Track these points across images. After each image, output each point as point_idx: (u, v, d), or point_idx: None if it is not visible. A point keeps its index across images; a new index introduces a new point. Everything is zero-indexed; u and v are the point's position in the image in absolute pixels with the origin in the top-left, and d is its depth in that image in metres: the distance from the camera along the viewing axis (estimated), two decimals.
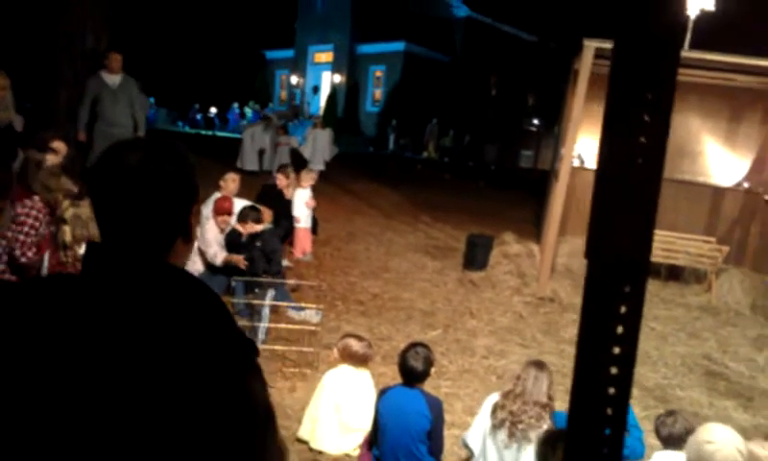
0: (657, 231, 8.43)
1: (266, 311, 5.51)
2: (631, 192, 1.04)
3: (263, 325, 5.46)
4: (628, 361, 1.06)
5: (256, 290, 5.76)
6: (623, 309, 1.06)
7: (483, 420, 3.88)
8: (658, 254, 8.13)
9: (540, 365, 3.76)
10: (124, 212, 1.27)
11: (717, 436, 2.76)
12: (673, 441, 3.57)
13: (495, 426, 3.76)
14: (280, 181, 8.39)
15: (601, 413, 1.06)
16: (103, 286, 1.22)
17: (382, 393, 3.88)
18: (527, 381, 3.67)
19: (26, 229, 3.80)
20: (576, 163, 8.94)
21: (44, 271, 3.45)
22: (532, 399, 3.63)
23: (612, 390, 1.06)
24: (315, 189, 8.80)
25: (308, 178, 8.47)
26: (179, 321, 1.23)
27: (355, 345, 4.19)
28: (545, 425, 3.60)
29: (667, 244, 8.13)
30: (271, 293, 5.63)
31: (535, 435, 3.59)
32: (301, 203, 8.29)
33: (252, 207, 6.48)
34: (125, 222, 1.27)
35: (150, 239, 1.29)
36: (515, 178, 17.89)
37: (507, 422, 3.71)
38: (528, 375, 3.68)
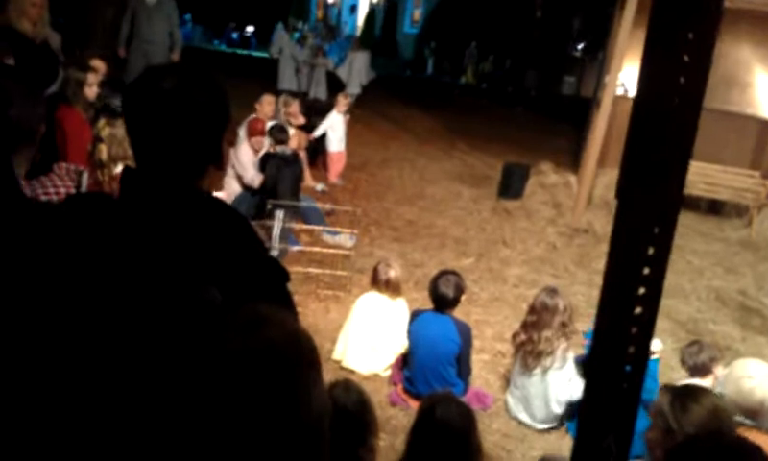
0: (699, 164, 8.12)
1: (275, 232, 5.45)
2: (666, 135, 1.03)
3: (275, 244, 5.39)
4: (652, 302, 1.08)
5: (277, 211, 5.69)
6: (651, 251, 1.07)
7: None
8: (699, 188, 7.95)
9: (551, 292, 3.82)
10: (157, 136, 1.29)
11: (756, 371, 2.75)
12: (698, 370, 3.62)
13: (513, 354, 3.96)
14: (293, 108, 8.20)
15: (623, 351, 1.08)
16: (137, 211, 1.26)
17: (414, 317, 3.98)
18: (540, 311, 3.75)
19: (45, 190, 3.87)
20: (620, 92, 8.67)
21: (83, 189, 3.57)
22: (546, 326, 3.71)
23: (634, 329, 1.08)
24: (351, 114, 8.75)
25: (344, 102, 8.39)
26: (208, 245, 1.26)
27: (384, 273, 4.27)
28: (559, 351, 3.71)
29: (709, 177, 7.94)
30: (279, 214, 5.55)
31: (549, 360, 3.71)
32: (339, 126, 8.23)
33: (278, 128, 6.46)
34: (158, 146, 1.30)
35: (182, 164, 1.32)
36: (556, 105, 17.41)
37: (521, 350, 3.84)
38: (540, 304, 3.76)
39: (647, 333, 1.09)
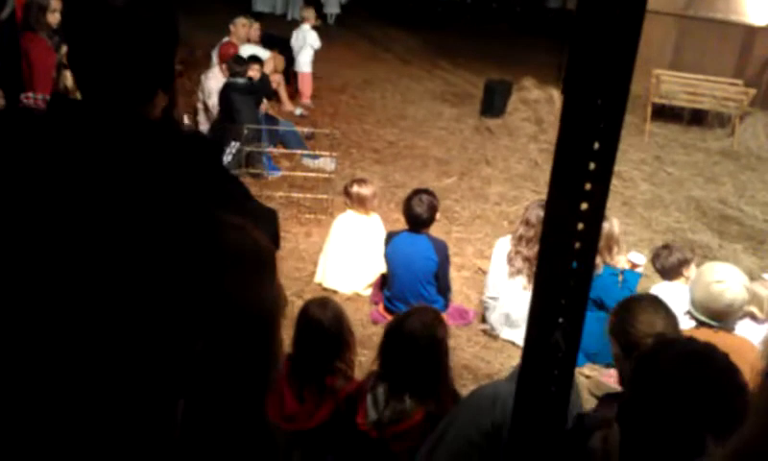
0: (681, 74, 8.03)
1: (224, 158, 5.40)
2: (608, 35, 1.00)
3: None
4: (598, 201, 1.08)
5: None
6: (596, 145, 1.06)
7: (497, 265, 3.98)
8: (681, 98, 7.89)
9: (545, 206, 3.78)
10: (104, 59, 1.20)
11: (725, 275, 2.77)
12: (666, 272, 3.69)
13: (513, 274, 3.87)
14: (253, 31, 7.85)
15: (569, 249, 1.09)
16: (69, 134, 1.19)
17: (389, 238, 3.99)
18: (536, 225, 3.73)
19: None
20: None
21: None
22: None
23: (581, 225, 1.08)
24: (330, 35, 8.51)
25: (311, 15, 8.11)
26: (155, 170, 1.21)
27: (351, 187, 4.26)
28: None
29: (691, 87, 7.86)
30: (234, 144, 5.46)
31: None
32: (310, 42, 7.94)
33: (235, 59, 6.19)
34: (104, 69, 1.21)
35: (129, 88, 1.23)
36: (541, 19, 17.04)
37: (525, 268, 3.81)
38: (536, 218, 3.73)
39: (596, 225, 1.09)
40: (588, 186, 1.06)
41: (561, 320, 1.10)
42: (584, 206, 1.06)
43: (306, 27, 7.91)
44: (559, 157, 1.07)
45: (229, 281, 1.04)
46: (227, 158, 5.34)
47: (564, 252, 1.08)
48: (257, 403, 1.07)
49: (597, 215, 1.09)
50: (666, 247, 3.81)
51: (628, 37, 0.99)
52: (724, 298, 2.70)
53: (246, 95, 5.93)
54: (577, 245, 1.08)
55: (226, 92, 5.89)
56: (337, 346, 2.49)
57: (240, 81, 5.96)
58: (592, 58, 1.01)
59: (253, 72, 6.12)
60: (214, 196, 1.30)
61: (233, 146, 5.42)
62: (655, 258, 3.79)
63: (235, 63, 6.04)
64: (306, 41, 7.86)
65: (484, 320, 4.10)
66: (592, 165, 1.05)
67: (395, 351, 2.31)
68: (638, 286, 3.91)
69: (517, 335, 3.88)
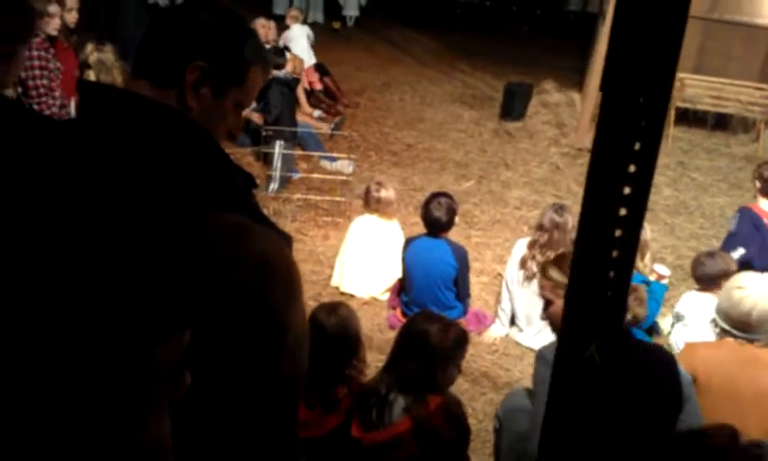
0: (705, 78, 7.85)
1: (275, 160, 5.44)
2: (650, 26, 0.93)
3: (275, 173, 5.41)
4: (638, 206, 1.01)
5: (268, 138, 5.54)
6: (637, 146, 0.99)
7: (512, 268, 3.93)
8: (705, 102, 7.74)
9: (559, 210, 3.71)
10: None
11: (748, 282, 2.70)
12: (702, 281, 3.57)
13: (528, 278, 3.80)
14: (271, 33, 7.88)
15: (606, 255, 1.02)
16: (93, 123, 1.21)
17: (408, 243, 3.92)
18: (550, 229, 3.66)
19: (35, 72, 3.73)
20: None
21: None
22: (558, 245, 3.63)
23: (618, 232, 1.01)
24: (349, 38, 8.45)
25: (291, 15, 8.12)
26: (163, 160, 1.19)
27: (375, 192, 4.19)
28: None
29: (716, 91, 7.71)
30: (279, 142, 5.46)
31: None
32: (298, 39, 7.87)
33: (276, 51, 6.21)
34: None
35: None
36: (562, 22, 16.89)
37: (538, 274, 3.74)
38: (549, 222, 3.66)
39: (634, 232, 1.01)
40: (627, 191, 0.99)
41: (596, 334, 1.02)
42: (622, 211, 0.99)
43: (297, 26, 7.93)
44: (596, 159, 1.00)
45: (252, 292, 0.90)
46: (277, 163, 5.33)
47: (601, 260, 1.00)
48: (286, 428, 0.98)
49: (636, 221, 1.01)
50: (711, 254, 3.68)
51: (673, 27, 0.91)
52: (742, 305, 2.60)
53: (294, 91, 5.88)
54: (614, 253, 1.00)
55: (276, 89, 5.70)
56: (342, 352, 2.43)
57: (289, 76, 5.88)
58: (634, 51, 0.93)
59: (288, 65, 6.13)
60: (226, 199, 1.25)
61: (280, 146, 5.39)
62: (695, 265, 3.67)
63: (277, 56, 5.95)
64: (302, 35, 7.90)
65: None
66: (633, 168, 0.97)
67: (394, 352, 2.29)
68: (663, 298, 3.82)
69: (530, 340, 3.82)
